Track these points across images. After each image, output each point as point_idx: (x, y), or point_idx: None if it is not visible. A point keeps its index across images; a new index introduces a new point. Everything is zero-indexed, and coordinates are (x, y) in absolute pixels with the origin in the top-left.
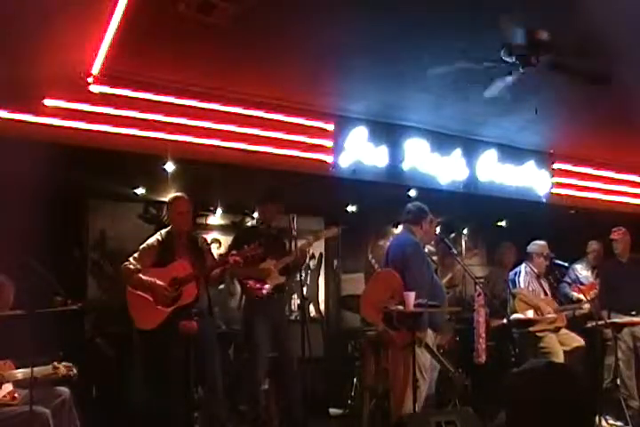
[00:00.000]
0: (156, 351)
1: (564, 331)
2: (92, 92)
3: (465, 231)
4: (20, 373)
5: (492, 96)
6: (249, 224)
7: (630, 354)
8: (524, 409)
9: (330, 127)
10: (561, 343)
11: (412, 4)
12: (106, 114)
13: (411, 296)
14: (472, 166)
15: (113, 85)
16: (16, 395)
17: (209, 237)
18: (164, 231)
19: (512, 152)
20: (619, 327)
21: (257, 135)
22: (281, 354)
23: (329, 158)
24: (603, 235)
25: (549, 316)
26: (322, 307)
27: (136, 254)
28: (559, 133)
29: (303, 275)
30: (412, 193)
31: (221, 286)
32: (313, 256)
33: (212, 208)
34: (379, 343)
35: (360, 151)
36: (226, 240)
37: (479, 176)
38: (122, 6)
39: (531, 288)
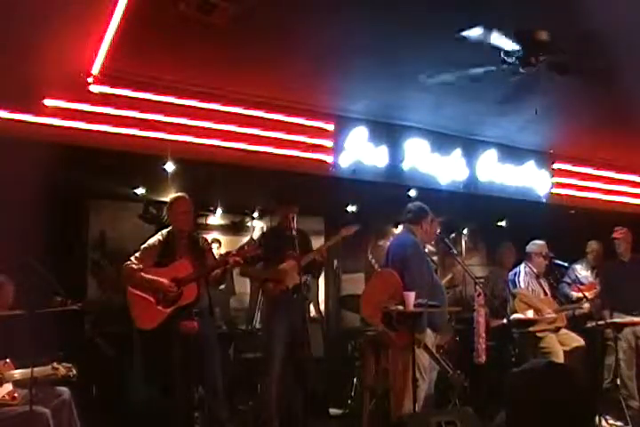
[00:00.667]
0: (156, 351)
1: (563, 331)
2: (91, 92)
3: (465, 231)
4: (19, 373)
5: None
6: (264, 226)
7: (632, 354)
8: (523, 409)
9: (330, 127)
10: (561, 343)
11: (412, 4)
12: (106, 114)
13: (411, 296)
14: (472, 166)
15: (113, 85)
16: (16, 395)
17: (209, 237)
18: (165, 231)
19: (512, 152)
20: (619, 327)
21: (257, 135)
22: (296, 354)
23: (329, 158)
24: (603, 235)
25: (549, 316)
26: (322, 307)
27: (137, 254)
28: (559, 133)
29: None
30: (412, 193)
31: (222, 287)
32: None
33: (212, 208)
34: (379, 343)
35: (360, 151)
36: (226, 240)
37: (479, 176)
38: (122, 6)
39: (530, 288)
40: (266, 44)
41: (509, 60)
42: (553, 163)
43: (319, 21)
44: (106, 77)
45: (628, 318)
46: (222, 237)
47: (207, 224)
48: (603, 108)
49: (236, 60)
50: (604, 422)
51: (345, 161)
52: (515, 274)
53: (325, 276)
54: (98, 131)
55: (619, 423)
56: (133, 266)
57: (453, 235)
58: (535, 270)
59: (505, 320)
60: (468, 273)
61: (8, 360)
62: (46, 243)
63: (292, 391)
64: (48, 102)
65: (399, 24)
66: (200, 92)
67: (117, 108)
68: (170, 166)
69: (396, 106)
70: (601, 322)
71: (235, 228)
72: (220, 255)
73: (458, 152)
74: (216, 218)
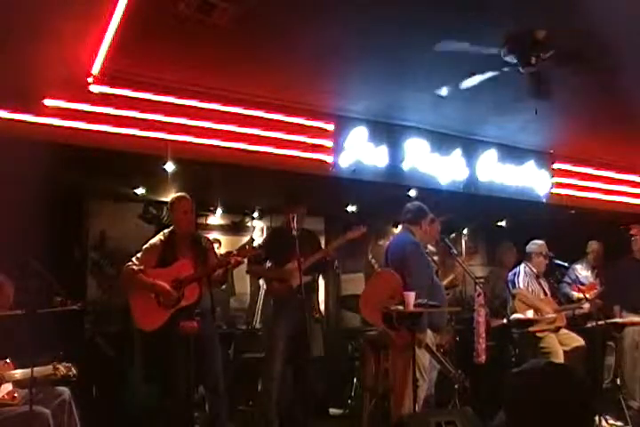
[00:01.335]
0: (157, 351)
1: (564, 331)
2: (92, 92)
3: (465, 231)
4: (19, 373)
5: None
6: (265, 226)
7: (638, 354)
8: (523, 409)
9: (330, 127)
10: (561, 343)
11: (412, 3)
12: (106, 114)
13: (411, 296)
14: (472, 166)
15: (113, 85)
16: (16, 395)
17: (209, 237)
18: (166, 231)
19: (512, 152)
20: (619, 327)
21: (257, 135)
22: (297, 355)
23: (329, 158)
24: (603, 235)
25: (549, 316)
26: (322, 307)
27: (139, 255)
28: (559, 133)
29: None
30: (412, 193)
31: (222, 287)
32: None
33: (212, 208)
34: (379, 343)
35: (360, 151)
36: (226, 240)
37: (479, 176)
38: (122, 6)
39: (530, 289)
40: (266, 43)
41: (510, 60)
42: (553, 163)
43: (319, 21)
44: (106, 77)
45: (629, 317)
46: (222, 237)
47: (207, 224)
48: (603, 109)
49: (236, 60)
50: (603, 423)
51: (345, 161)
52: (514, 274)
53: (325, 276)
54: (98, 131)
55: (619, 423)
56: (134, 267)
57: (453, 235)
58: (535, 270)
59: (505, 320)
60: (467, 273)
61: (8, 360)
62: (46, 243)
63: (293, 391)
64: (48, 102)
65: (399, 24)
66: (200, 92)
67: (117, 108)
68: (170, 166)
69: (396, 106)
70: (601, 322)
71: (235, 228)
72: (221, 255)
73: (458, 152)
74: (216, 218)
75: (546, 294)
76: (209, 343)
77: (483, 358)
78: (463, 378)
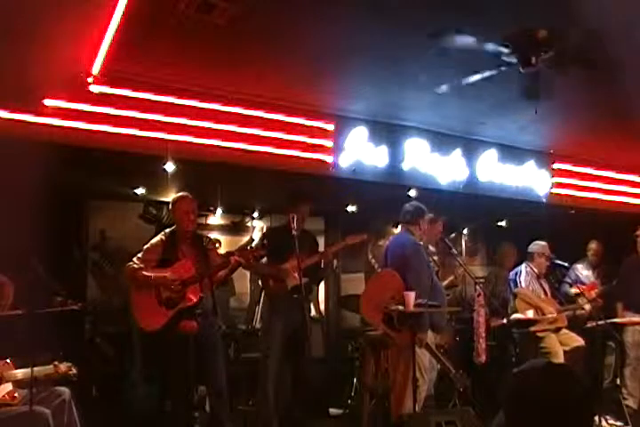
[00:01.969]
0: (157, 351)
1: (564, 331)
2: (91, 92)
3: (465, 231)
4: (19, 373)
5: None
6: (265, 226)
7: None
8: (523, 409)
9: (330, 127)
10: (561, 343)
11: (412, 3)
12: (106, 114)
13: (411, 296)
14: (472, 166)
15: (113, 85)
16: (16, 395)
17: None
18: (168, 231)
19: (512, 152)
20: (620, 327)
21: (257, 135)
22: (295, 354)
23: (329, 158)
24: (603, 235)
25: (550, 316)
26: (322, 307)
27: (140, 255)
28: (559, 133)
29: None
30: (412, 193)
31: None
32: None
33: (212, 208)
34: (379, 343)
35: (360, 151)
36: (226, 240)
37: (479, 176)
38: (122, 6)
39: (531, 288)
40: (266, 44)
41: (510, 60)
42: (553, 163)
43: (319, 21)
44: (106, 77)
45: (630, 317)
46: (222, 237)
47: (207, 224)
48: (603, 109)
49: (236, 60)
50: (603, 422)
51: (345, 161)
52: (516, 273)
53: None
54: (98, 131)
55: (619, 423)
56: (135, 266)
57: (453, 235)
58: (536, 271)
59: (505, 320)
60: (467, 273)
61: (8, 360)
62: (46, 243)
63: (292, 391)
64: (48, 102)
65: (399, 24)
66: (200, 92)
67: (117, 108)
68: (170, 166)
69: (395, 106)
70: (601, 322)
71: (235, 228)
72: (222, 255)
73: (458, 152)
74: (216, 218)
75: (546, 294)
76: (210, 344)
77: (483, 357)
78: (463, 378)
